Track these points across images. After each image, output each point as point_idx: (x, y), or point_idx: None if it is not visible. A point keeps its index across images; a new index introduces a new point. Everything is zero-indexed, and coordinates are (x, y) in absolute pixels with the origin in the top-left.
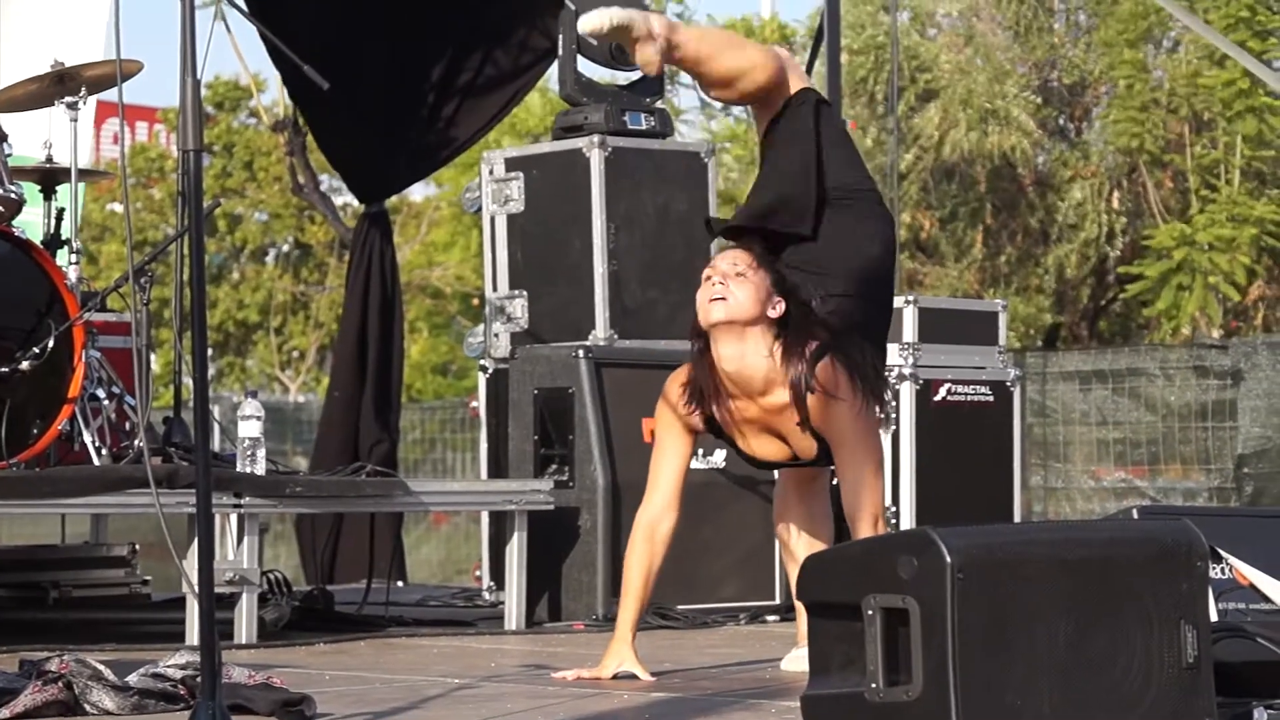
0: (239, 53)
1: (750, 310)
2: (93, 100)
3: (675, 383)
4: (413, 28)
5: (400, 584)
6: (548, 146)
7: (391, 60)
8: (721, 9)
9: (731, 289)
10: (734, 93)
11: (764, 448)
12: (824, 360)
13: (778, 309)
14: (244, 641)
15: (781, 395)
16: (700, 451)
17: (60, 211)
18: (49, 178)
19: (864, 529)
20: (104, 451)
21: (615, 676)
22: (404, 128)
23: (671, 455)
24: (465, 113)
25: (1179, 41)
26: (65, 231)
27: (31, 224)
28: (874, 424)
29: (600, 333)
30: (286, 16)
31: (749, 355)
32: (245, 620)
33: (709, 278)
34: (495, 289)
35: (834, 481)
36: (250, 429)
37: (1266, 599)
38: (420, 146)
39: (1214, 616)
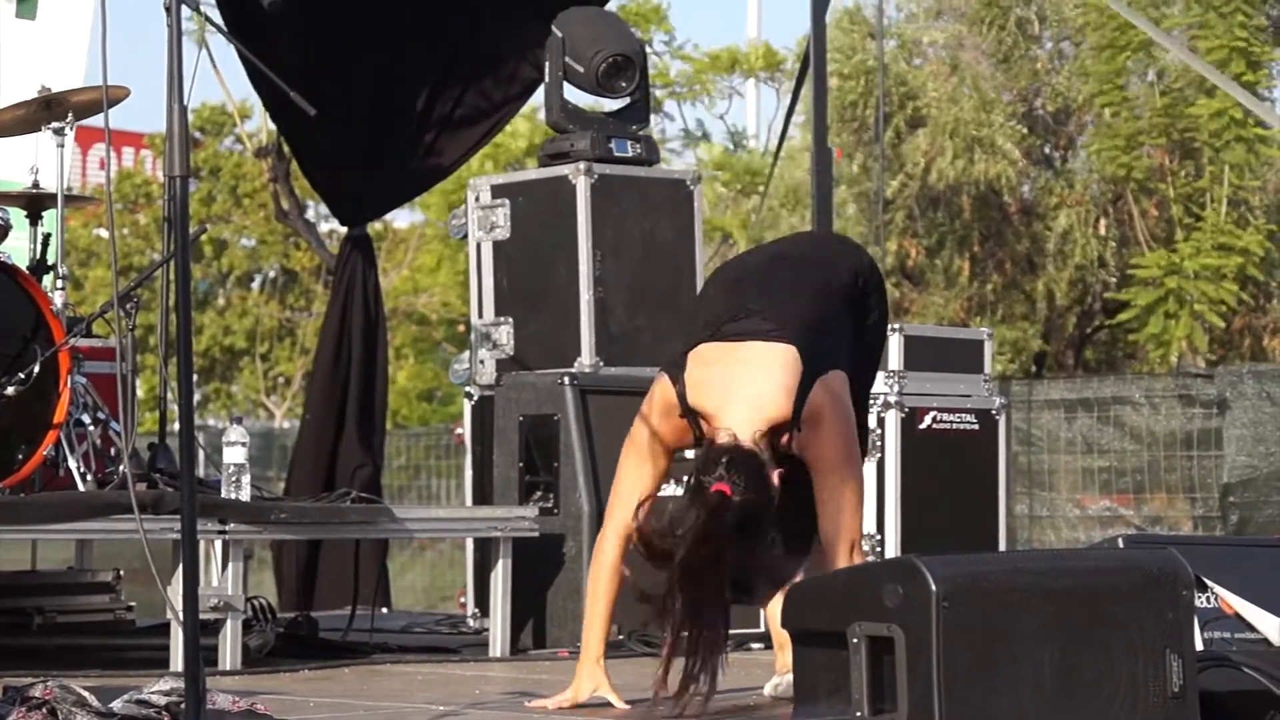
0: (222, 80)
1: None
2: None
3: (658, 398)
4: (396, 51)
5: (385, 610)
6: (534, 173)
7: (374, 85)
8: (708, 36)
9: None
10: None
11: None
12: (812, 392)
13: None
14: (228, 668)
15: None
16: (685, 477)
17: (46, 237)
18: (35, 203)
19: (841, 556)
20: (89, 477)
21: (587, 703)
22: (387, 152)
23: (645, 473)
24: (448, 137)
25: (1164, 71)
26: (51, 256)
27: (17, 249)
28: (856, 451)
29: (586, 359)
30: (269, 41)
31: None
32: (230, 647)
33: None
34: (481, 315)
35: None
36: (235, 455)
37: (1252, 628)
38: (403, 171)
39: (1199, 645)
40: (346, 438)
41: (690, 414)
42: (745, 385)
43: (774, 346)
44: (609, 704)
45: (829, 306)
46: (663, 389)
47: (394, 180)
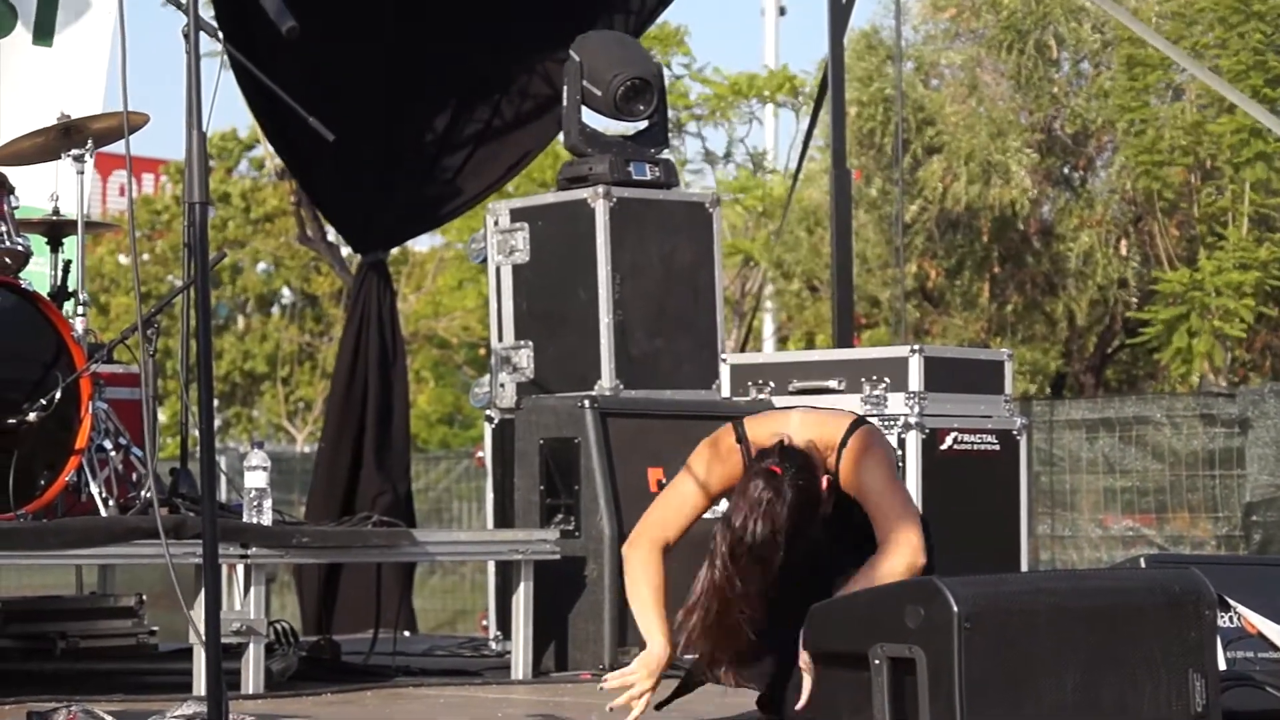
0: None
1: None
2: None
3: (719, 443)
4: (413, 79)
5: (407, 634)
6: (552, 197)
7: (390, 112)
8: (728, 60)
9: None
10: None
11: None
12: (858, 431)
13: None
14: (251, 692)
15: None
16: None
17: (67, 263)
18: (55, 230)
19: (903, 544)
20: (111, 502)
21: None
22: (403, 181)
23: (689, 504)
24: (471, 169)
25: (1182, 90)
26: (72, 283)
27: (39, 275)
28: (902, 486)
29: (606, 383)
30: (280, 67)
31: None
32: (252, 670)
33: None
34: (501, 339)
35: None
36: (256, 479)
37: (1275, 647)
38: (420, 200)
39: (1222, 665)
40: (366, 465)
41: (744, 443)
42: (799, 416)
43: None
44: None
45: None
46: (723, 431)
47: (409, 209)
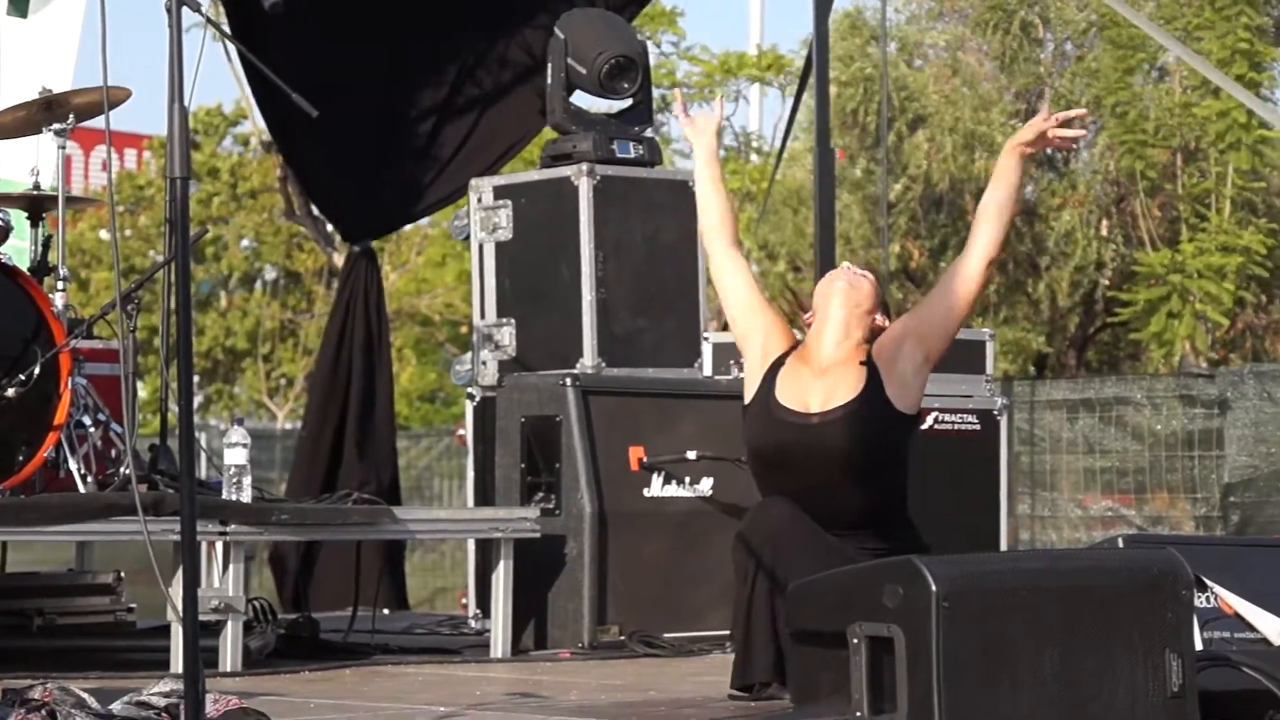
0: (237, 77)
1: (865, 301)
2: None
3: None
4: (406, 69)
5: (386, 611)
6: (536, 174)
7: (379, 97)
8: (714, 39)
9: (856, 281)
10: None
11: (791, 393)
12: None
13: (878, 318)
14: (229, 669)
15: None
16: (686, 479)
17: (48, 238)
18: (36, 205)
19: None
20: (89, 479)
21: None
22: (394, 167)
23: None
24: (463, 155)
25: (1167, 71)
26: (52, 258)
27: (20, 250)
28: None
29: (588, 361)
30: (271, 48)
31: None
32: (230, 648)
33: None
34: (483, 317)
35: None
36: (236, 456)
37: (1251, 628)
38: (411, 188)
39: (1199, 645)
40: (348, 454)
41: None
42: None
43: None
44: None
45: None
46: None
47: (402, 198)
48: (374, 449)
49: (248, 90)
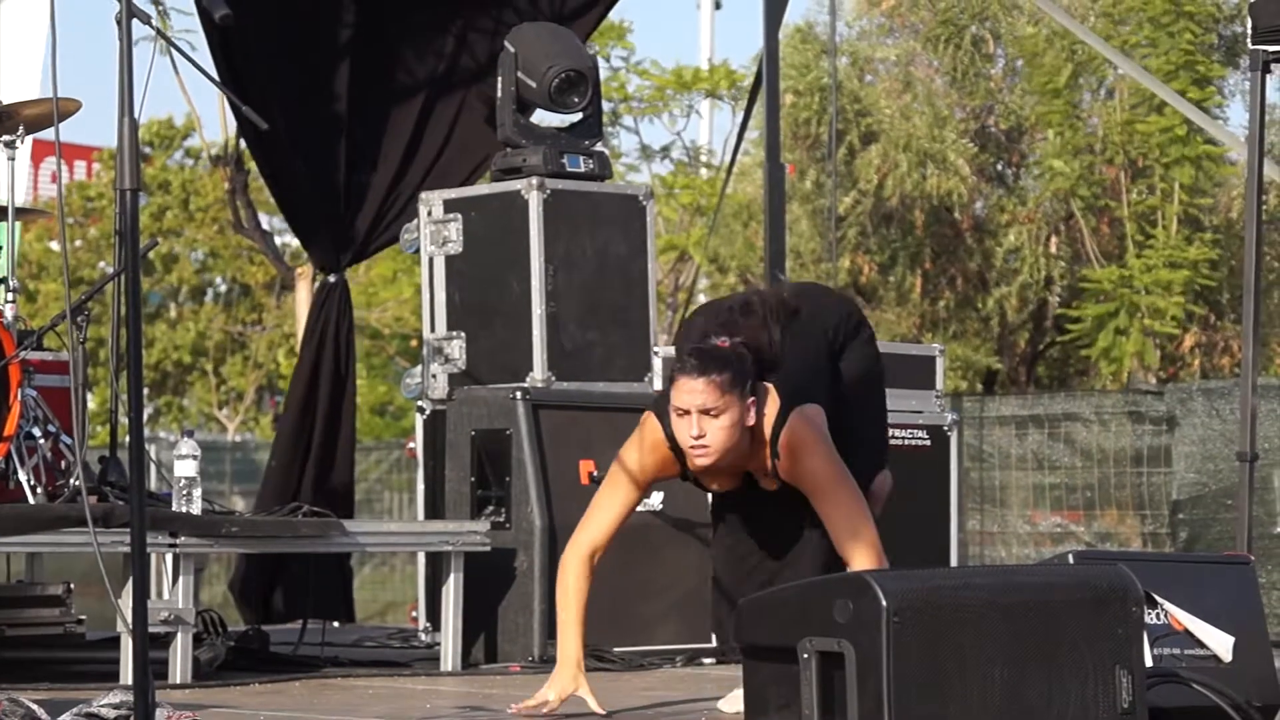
0: (184, 89)
1: (730, 444)
2: (29, 139)
3: (646, 436)
4: (382, 99)
5: (336, 624)
6: (486, 188)
7: (349, 125)
8: (664, 53)
9: (709, 434)
10: None
11: (726, 484)
12: (787, 424)
13: (751, 413)
14: (178, 681)
15: (757, 457)
16: None
17: None
18: None
19: (864, 561)
20: (39, 490)
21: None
22: (365, 198)
23: (622, 500)
24: (430, 183)
25: (1113, 90)
26: (1, 269)
27: None
28: (845, 469)
29: (538, 374)
30: (251, 79)
31: (735, 453)
32: (180, 660)
33: (680, 414)
34: (433, 330)
35: None
36: (186, 468)
37: (1201, 644)
38: (381, 216)
39: (1149, 661)
40: (308, 478)
41: (677, 449)
42: None
43: None
44: (588, 710)
45: (806, 349)
46: (650, 426)
47: (373, 227)
48: (335, 477)
49: (197, 101)
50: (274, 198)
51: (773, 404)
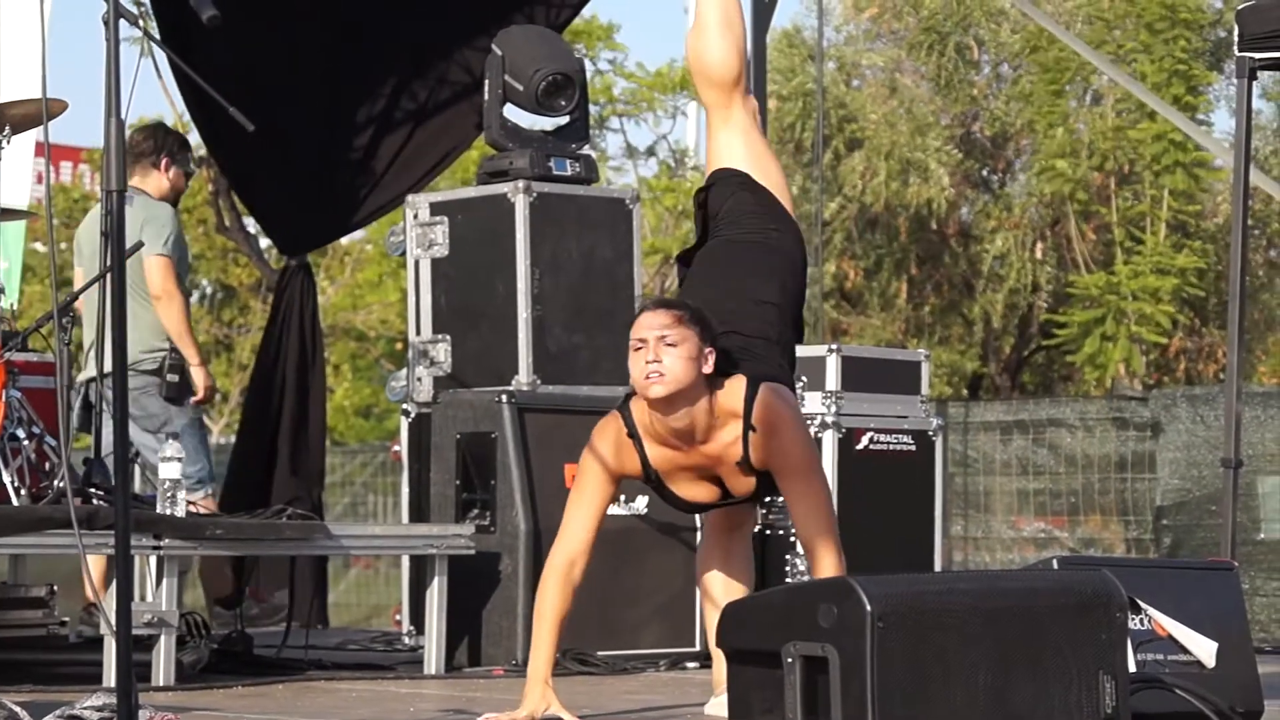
0: (167, 92)
1: (685, 377)
2: (19, 139)
3: (605, 431)
4: (337, 76)
5: (320, 627)
6: (473, 191)
7: (317, 110)
8: (650, 55)
9: (664, 361)
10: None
11: (695, 491)
12: (760, 397)
13: (709, 362)
14: (162, 684)
15: (721, 439)
16: (622, 498)
17: None
18: None
19: (825, 553)
20: (23, 492)
21: None
22: (330, 183)
23: (592, 500)
24: (397, 167)
25: (1101, 95)
26: None
27: None
28: (815, 451)
29: (523, 378)
30: (206, 61)
31: (692, 410)
32: (163, 663)
33: (637, 348)
34: (419, 333)
35: (756, 528)
36: (170, 471)
37: (1184, 650)
38: (348, 202)
39: (1132, 667)
40: (280, 469)
41: (636, 437)
42: None
43: None
44: None
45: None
46: (608, 418)
47: (337, 211)
48: (306, 464)
49: (181, 103)
50: (230, 183)
51: (737, 380)
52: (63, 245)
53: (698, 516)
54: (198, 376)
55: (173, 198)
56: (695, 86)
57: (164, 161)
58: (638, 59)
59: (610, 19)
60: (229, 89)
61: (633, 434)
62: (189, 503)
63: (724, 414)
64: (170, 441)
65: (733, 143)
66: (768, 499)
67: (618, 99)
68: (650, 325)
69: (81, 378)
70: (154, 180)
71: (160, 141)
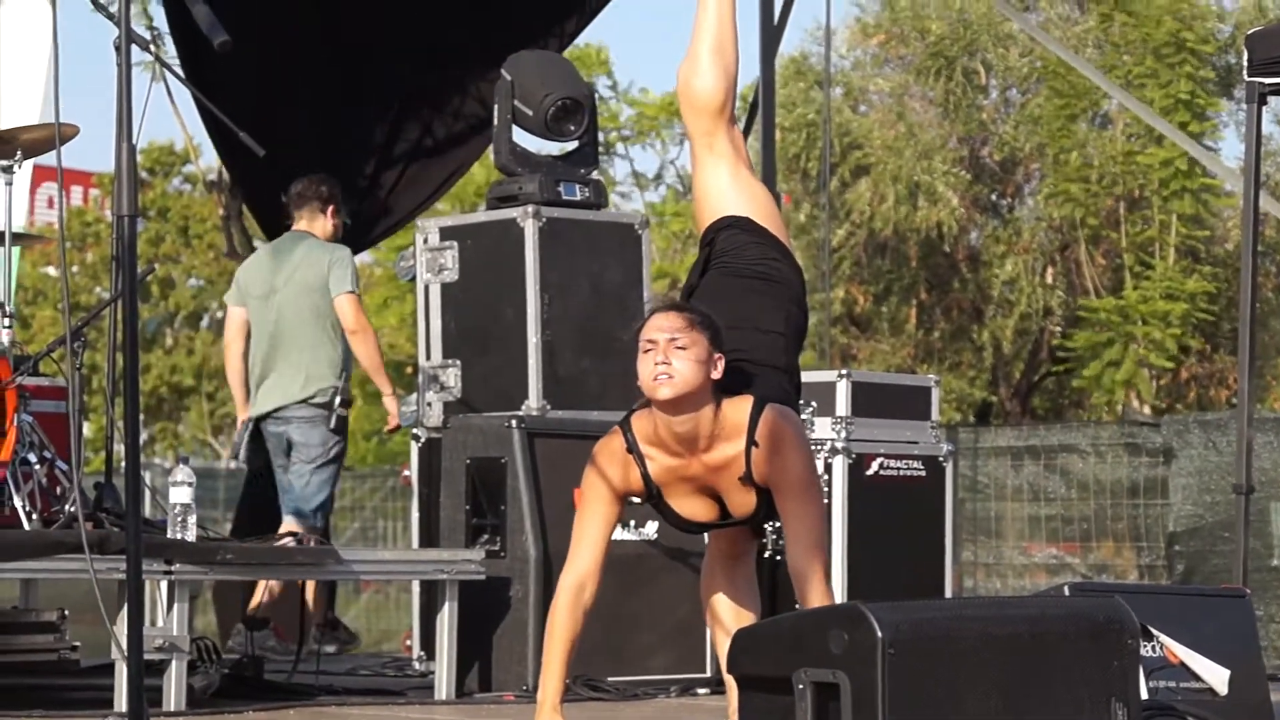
0: (179, 115)
1: (694, 380)
2: (28, 164)
3: (605, 449)
4: (350, 97)
5: (330, 650)
6: (482, 216)
7: (327, 131)
8: (655, 83)
9: (674, 364)
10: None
11: (695, 508)
12: (765, 414)
13: (718, 368)
14: (173, 709)
15: (724, 451)
16: (632, 523)
17: None
18: None
19: (814, 577)
20: (35, 516)
21: None
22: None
23: (598, 520)
24: (405, 186)
25: (1109, 120)
26: None
27: None
28: (816, 475)
29: (533, 403)
30: (221, 83)
31: (697, 415)
32: (174, 687)
33: (647, 349)
34: (429, 357)
35: (765, 554)
36: (181, 495)
37: (1197, 677)
38: (357, 220)
39: (1144, 694)
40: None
41: (635, 452)
42: None
43: None
44: None
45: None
46: (609, 437)
47: (346, 232)
48: None
49: (191, 128)
50: (245, 203)
51: (745, 398)
52: (73, 268)
53: (705, 538)
54: (390, 406)
55: (335, 239)
56: (681, 113)
57: (330, 209)
58: (641, 86)
59: (600, 42)
60: (241, 112)
61: (632, 449)
62: (297, 533)
63: (728, 427)
64: (181, 465)
65: (719, 178)
66: (771, 525)
67: (623, 126)
68: (661, 327)
69: (253, 412)
70: (320, 224)
71: (329, 189)
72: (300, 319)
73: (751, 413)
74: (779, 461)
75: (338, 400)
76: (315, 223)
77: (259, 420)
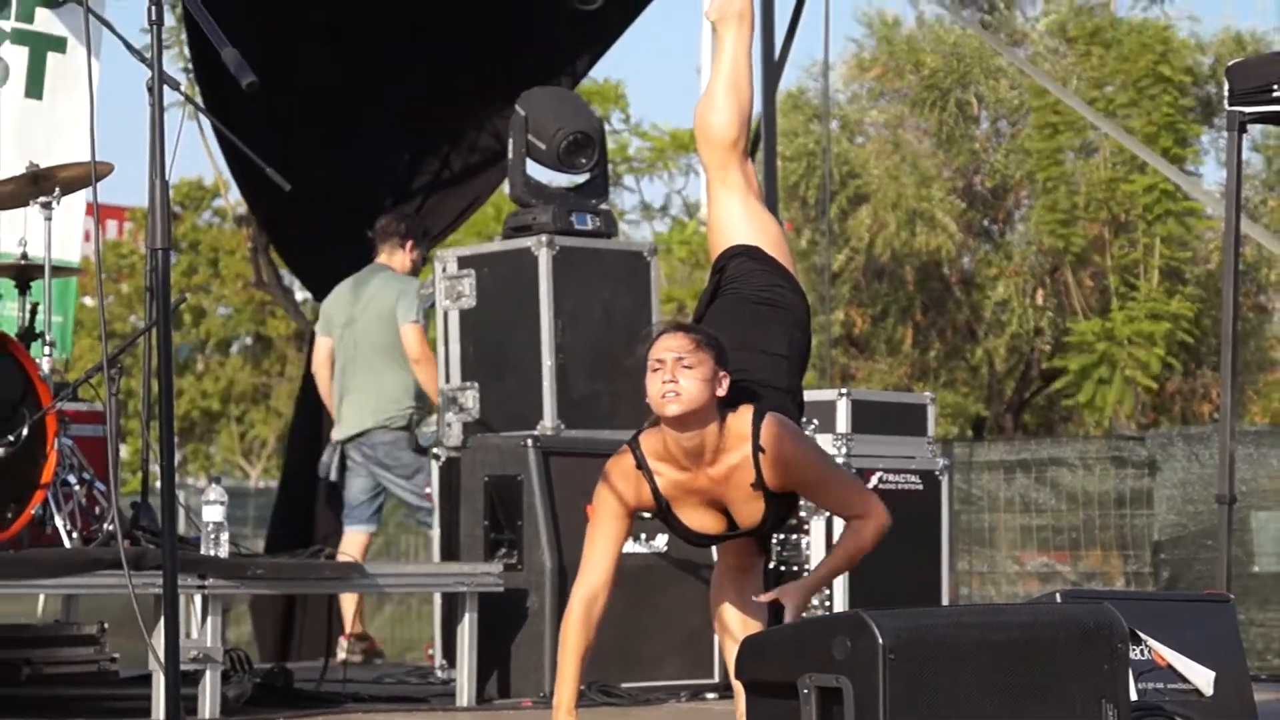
0: (209, 151)
1: (700, 398)
2: (70, 199)
3: (615, 466)
4: (371, 133)
5: (358, 659)
6: (498, 245)
7: (349, 165)
8: (665, 117)
9: (681, 382)
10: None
11: (703, 521)
12: (766, 421)
13: (724, 386)
14: (207, 717)
15: (730, 461)
16: (643, 536)
17: (34, 305)
18: (24, 273)
19: (868, 516)
20: (75, 535)
21: None
22: (361, 234)
23: (608, 535)
24: (424, 217)
25: (1095, 148)
26: (39, 325)
27: (8, 318)
28: (827, 455)
29: (548, 423)
30: (245, 119)
31: (703, 431)
32: (209, 696)
33: (655, 368)
34: (448, 381)
35: (769, 566)
36: (214, 513)
37: (1184, 679)
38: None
39: (1134, 696)
40: (319, 504)
41: (644, 468)
42: None
43: None
44: None
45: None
46: (619, 455)
47: (366, 258)
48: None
49: (220, 164)
50: (269, 239)
51: (746, 409)
52: (109, 298)
53: (713, 551)
54: None
55: (412, 273)
56: (697, 147)
57: (409, 244)
58: (649, 120)
59: (619, 78)
60: (264, 147)
61: (641, 465)
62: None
63: (732, 438)
64: (213, 485)
65: (732, 209)
66: (776, 537)
67: (632, 158)
68: (669, 347)
69: (336, 436)
70: (399, 258)
71: (409, 227)
72: (374, 347)
73: (753, 421)
74: (792, 461)
75: (416, 420)
76: (394, 256)
77: (344, 443)
